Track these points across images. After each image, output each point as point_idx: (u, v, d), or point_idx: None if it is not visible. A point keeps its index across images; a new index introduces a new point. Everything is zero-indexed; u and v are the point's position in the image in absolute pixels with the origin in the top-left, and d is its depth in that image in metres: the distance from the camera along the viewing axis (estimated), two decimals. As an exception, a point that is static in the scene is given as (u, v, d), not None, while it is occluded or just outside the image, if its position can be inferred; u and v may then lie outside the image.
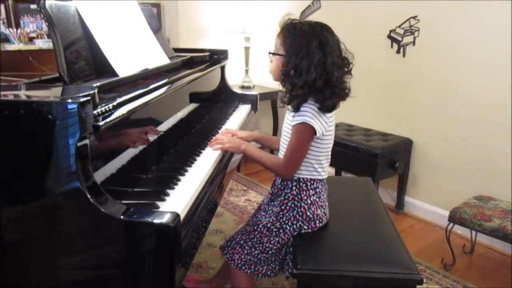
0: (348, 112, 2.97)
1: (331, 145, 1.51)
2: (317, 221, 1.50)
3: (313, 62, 1.35)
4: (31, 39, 2.98)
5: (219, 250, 1.65)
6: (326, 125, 1.42)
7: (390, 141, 2.68)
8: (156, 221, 0.98)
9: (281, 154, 1.54)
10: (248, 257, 1.55)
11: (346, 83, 1.43)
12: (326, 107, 1.40)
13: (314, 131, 1.39)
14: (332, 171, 3.00)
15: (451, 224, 2.14)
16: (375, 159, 2.53)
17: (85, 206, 0.98)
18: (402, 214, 2.83)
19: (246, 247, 1.56)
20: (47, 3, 1.23)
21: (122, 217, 0.99)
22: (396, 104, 2.83)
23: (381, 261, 1.39)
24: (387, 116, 2.90)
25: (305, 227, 1.49)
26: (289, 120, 1.48)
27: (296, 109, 1.40)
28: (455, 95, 2.49)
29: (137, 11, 1.74)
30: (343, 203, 1.76)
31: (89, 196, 0.97)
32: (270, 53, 1.49)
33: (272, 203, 1.57)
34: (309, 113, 1.38)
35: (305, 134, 1.41)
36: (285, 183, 1.53)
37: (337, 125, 2.97)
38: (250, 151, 1.59)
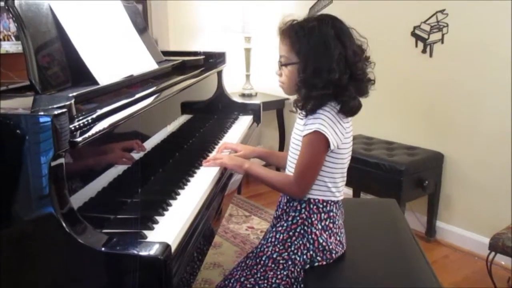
0: (366, 122, 2.98)
1: (347, 160, 1.51)
2: (333, 251, 1.50)
3: (334, 58, 1.37)
4: (-4, 42, 3.01)
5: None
6: (342, 136, 1.43)
7: (417, 155, 2.68)
8: (143, 253, 0.98)
9: (289, 170, 1.54)
10: (252, 296, 1.54)
11: (369, 74, 1.45)
12: (352, 108, 1.41)
13: (328, 143, 1.40)
14: (349, 191, 2.99)
15: (493, 254, 2.12)
16: (400, 177, 2.52)
17: (60, 236, 0.98)
18: (434, 242, 2.82)
19: (248, 285, 1.54)
20: (16, 1, 1.25)
21: (103, 248, 0.99)
22: (423, 112, 2.83)
23: (409, 298, 1.38)
24: (413, 127, 2.90)
25: (318, 258, 1.49)
26: (299, 130, 1.49)
27: (311, 112, 1.40)
28: (493, 101, 2.50)
29: (119, 8, 1.77)
30: (363, 229, 1.75)
31: (64, 224, 0.98)
32: (282, 64, 1.48)
33: (276, 229, 1.56)
34: (322, 120, 1.39)
35: (319, 145, 1.41)
36: (291, 204, 1.53)
37: (354, 138, 2.95)
38: (255, 170, 1.59)
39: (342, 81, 1.37)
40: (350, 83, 1.39)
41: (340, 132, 1.42)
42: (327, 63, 1.37)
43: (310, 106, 1.40)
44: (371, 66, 1.46)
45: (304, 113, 1.44)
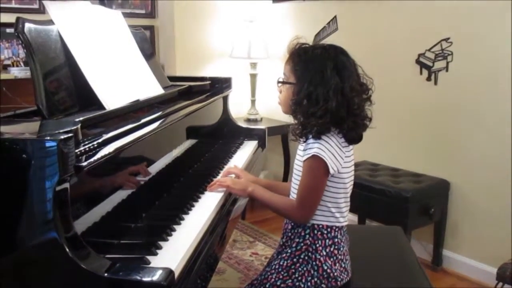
0: (371, 148, 2.98)
1: (350, 184, 1.51)
2: (338, 279, 1.48)
3: (331, 88, 1.39)
4: (5, 67, 3.07)
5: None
6: (341, 160, 1.44)
7: (422, 182, 2.67)
8: (146, 279, 0.98)
9: (293, 196, 1.54)
10: (255, 324, 1.52)
11: (367, 111, 1.48)
12: (354, 137, 1.44)
13: (327, 167, 1.40)
14: (354, 218, 2.97)
15: (500, 284, 2.09)
16: (406, 204, 2.50)
17: (63, 262, 0.97)
18: (441, 271, 2.78)
19: (253, 312, 1.53)
20: (27, 27, 1.28)
21: (106, 274, 0.98)
22: (429, 139, 2.83)
23: (416, 328, 1.35)
24: (419, 154, 2.89)
25: (323, 285, 1.47)
26: (300, 155, 1.50)
27: (313, 139, 1.41)
28: (498, 128, 2.49)
29: (127, 35, 1.80)
30: (368, 257, 1.73)
31: (68, 249, 0.97)
32: (279, 82, 1.53)
33: (280, 256, 1.55)
34: (321, 145, 1.40)
35: (318, 169, 1.42)
36: (295, 230, 1.52)
37: (359, 164, 2.99)
38: (258, 193, 1.59)
39: (340, 112, 1.39)
40: (347, 116, 1.41)
41: (340, 156, 1.43)
42: (322, 91, 1.39)
43: (314, 131, 1.41)
44: (369, 104, 1.48)
45: (304, 138, 1.45)
